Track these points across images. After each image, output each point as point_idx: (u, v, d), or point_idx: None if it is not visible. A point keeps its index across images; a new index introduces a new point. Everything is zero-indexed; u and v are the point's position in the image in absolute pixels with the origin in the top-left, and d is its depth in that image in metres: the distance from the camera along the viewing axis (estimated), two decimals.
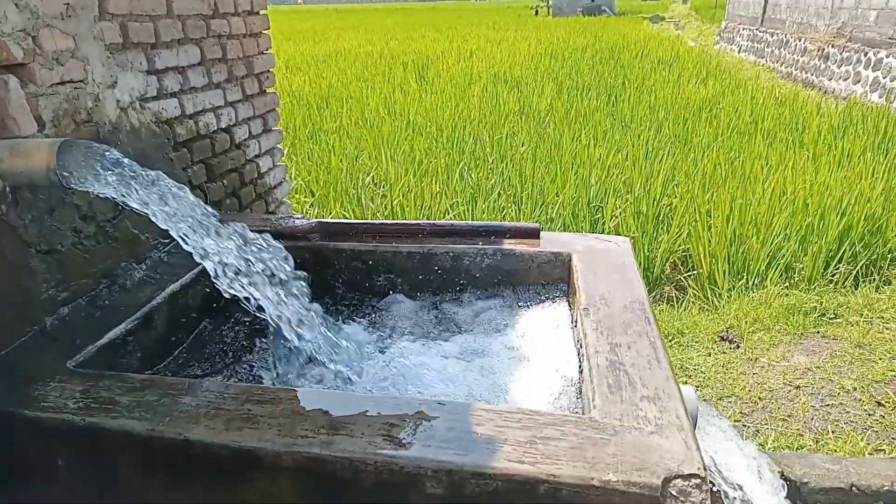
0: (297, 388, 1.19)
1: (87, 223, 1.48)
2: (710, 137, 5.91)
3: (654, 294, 3.66)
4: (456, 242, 1.73)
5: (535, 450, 0.91)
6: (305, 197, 4.85)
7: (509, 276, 1.70)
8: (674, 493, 0.85)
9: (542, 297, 1.67)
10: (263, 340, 1.52)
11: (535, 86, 8.80)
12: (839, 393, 2.59)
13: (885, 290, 3.41)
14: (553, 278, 1.68)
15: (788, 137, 5.86)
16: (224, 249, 1.27)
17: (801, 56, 9.99)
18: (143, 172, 1.27)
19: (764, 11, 12.03)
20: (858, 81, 8.18)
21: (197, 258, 1.27)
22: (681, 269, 3.84)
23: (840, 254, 3.62)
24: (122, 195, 1.22)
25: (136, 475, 1.05)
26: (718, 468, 1.45)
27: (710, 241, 3.70)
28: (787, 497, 1.73)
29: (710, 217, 3.96)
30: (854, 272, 3.54)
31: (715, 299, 3.48)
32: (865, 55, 8.11)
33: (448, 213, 4.39)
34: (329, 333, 1.36)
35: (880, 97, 7.52)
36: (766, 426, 2.42)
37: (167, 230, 1.25)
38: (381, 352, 1.50)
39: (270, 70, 2.56)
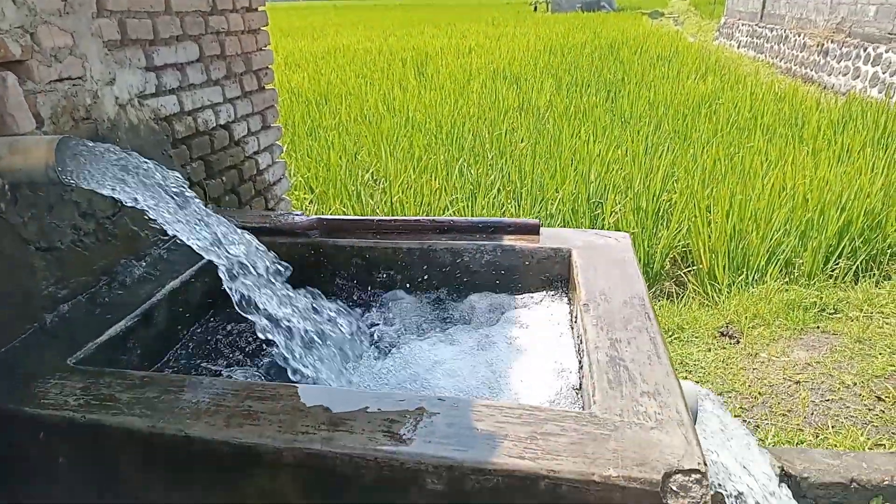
0: (297, 385, 1.19)
1: (87, 220, 1.48)
2: (709, 133, 5.90)
3: (653, 290, 3.66)
4: (456, 238, 1.73)
5: (536, 445, 0.91)
6: (305, 193, 4.85)
7: (509, 271, 1.70)
8: (674, 488, 0.85)
9: (542, 293, 1.67)
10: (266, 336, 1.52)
11: (534, 82, 8.78)
12: (839, 388, 2.59)
13: (884, 285, 3.42)
14: (553, 274, 1.68)
15: (788, 133, 5.86)
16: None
17: (801, 51, 9.97)
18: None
19: (763, 7, 12.00)
20: (858, 77, 8.17)
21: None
22: (681, 265, 3.84)
23: (840, 249, 3.62)
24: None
25: (136, 472, 1.06)
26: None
27: (709, 237, 3.70)
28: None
29: (710, 213, 3.96)
30: (854, 267, 3.54)
31: (715, 295, 3.48)
32: (865, 50, 8.10)
33: (448, 210, 4.39)
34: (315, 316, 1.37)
35: (880, 92, 7.51)
36: (766, 421, 2.43)
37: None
38: (380, 347, 1.51)
39: (269, 66, 2.55)
